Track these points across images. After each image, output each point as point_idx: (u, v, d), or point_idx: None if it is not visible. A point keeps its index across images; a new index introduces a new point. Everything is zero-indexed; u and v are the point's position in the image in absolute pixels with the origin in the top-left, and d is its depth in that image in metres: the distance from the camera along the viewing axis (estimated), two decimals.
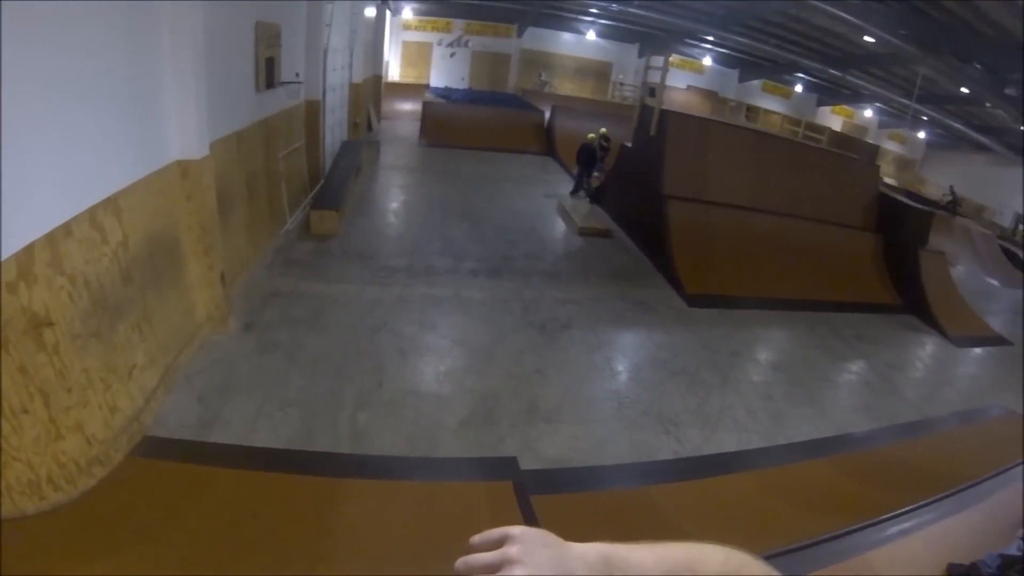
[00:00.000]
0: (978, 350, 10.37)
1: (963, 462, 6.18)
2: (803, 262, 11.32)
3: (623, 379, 7.18)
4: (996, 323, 11.87)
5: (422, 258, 9.83)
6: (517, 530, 0.68)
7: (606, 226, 12.90)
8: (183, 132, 5.59)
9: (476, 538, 0.72)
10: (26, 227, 3.53)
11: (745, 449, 6.20)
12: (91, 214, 4.24)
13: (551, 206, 14.40)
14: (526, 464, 5.32)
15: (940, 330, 10.48)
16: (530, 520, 4.49)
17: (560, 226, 13.09)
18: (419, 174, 16.26)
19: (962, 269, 16.39)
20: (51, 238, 3.75)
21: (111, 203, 4.51)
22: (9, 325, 3.41)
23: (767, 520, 5.09)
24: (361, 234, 10.54)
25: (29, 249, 3.54)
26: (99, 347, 4.36)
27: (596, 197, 15.06)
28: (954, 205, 25.86)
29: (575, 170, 15.98)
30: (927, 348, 10.04)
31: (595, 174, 15.79)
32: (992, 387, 8.91)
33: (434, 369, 6.75)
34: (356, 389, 6.08)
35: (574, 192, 15.61)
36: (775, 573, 0.70)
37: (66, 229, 3.92)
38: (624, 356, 7.86)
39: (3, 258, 3.32)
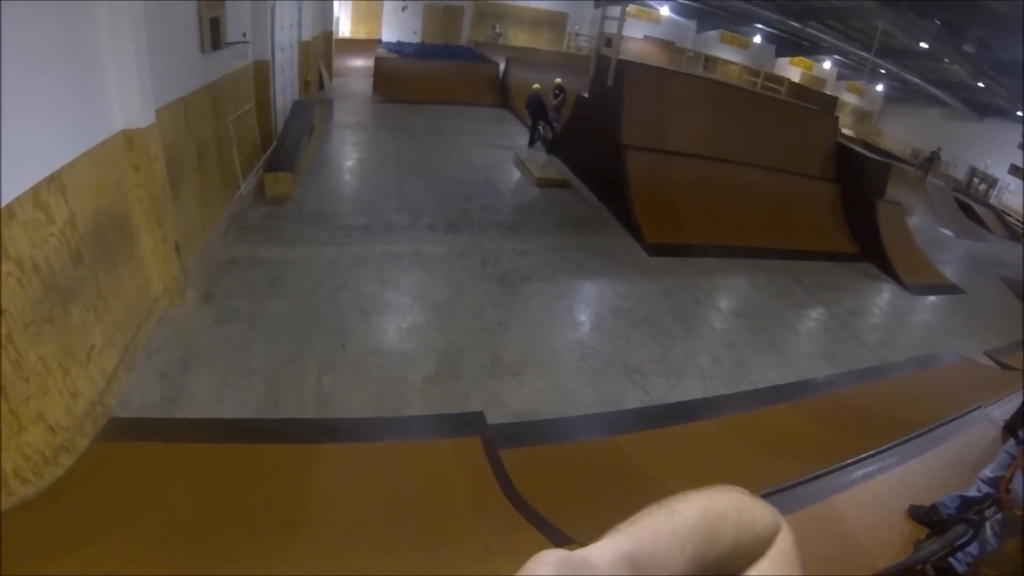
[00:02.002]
0: (933, 298, 10.60)
1: (921, 406, 6.33)
2: (763, 211, 11.40)
3: (586, 329, 7.16)
4: (950, 272, 12.14)
5: (379, 215, 9.65)
6: None
7: (564, 177, 12.81)
8: (126, 100, 5.29)
9: None
10: None
11: (710, 396, 6.26)
12: (34, 193, 4.00)
13: (508, 158, 14.26)
14: (493, 418, 5.29)
15: (897, 278, 10.69)
16: (499, 473, 4.45)
17: (517, 178, 12.96)
18: (373, 131, 15.93)
19: (918, 219, 16.63)
20: None
21: (54, 180, 4.26)
22: None
23: (734, 466, 5.14)
24: (317, 194, 10.31)
25: None
26: (54, 332, 4.18)
27: (553, 148, 14.95)
28: (929, 164, 26.14)
29: (529, 122, 15.80)
30: (884, 295, 10.23)
31: (552, 124, 15.58)
32: (947, 334, 9.12)
33: (396, 327, 6.65)
34: (319, 352, 5.98)
35: (531, 144, 15.46)
36: (774, 512, 0.65)
37: (8, 212, 3.69)
38: (586, 306, 7.84)
39: None
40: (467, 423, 5.21)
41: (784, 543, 0.63)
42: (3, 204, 3.64)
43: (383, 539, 3.81)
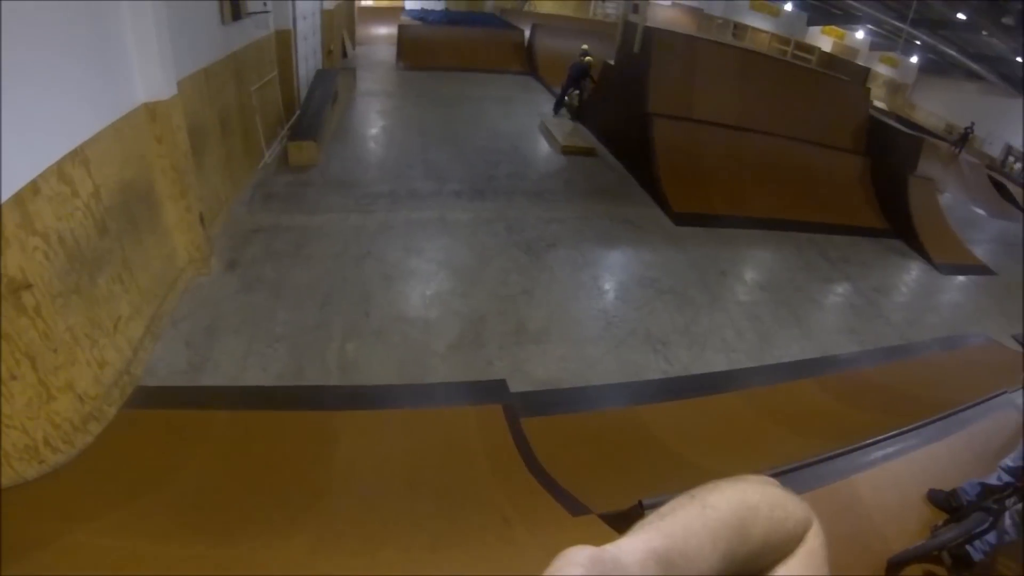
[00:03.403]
0: (962, 278, 10.31)
1: (945, 388, 6.25)
2: (791, 183, 11.20)
3: (611, 298, 7.13)
4: (981, 252, 11.79)
5: (405, 182, 9.64)
6: None
7: (590, 144, 12.68)
8: (147, 73, 5.34)
9: None
10: None
11: (733, 369, 6.22)
12: (58, 168, 4.04)
13: (533, 126, 14.13)
14: (516, 386, 5.30)
15: (926, 256, 10.42)
16: (520, 442, 4.47)
17: (543, 145, 12.85)
18: (398, 98, 15.80)
19: (950, 197, 16.26)
20: (19, 199, 3.57)
21: (78, 154, 4.31)
22: None
23: (755, 440, 5.12)
24: (341, 162, 10.30)
25: None
26: (81, 303, 4.26)
27: (579, 115, 14.78)
28: (963, 141, 25.40)
29: (559, 89, 15.54)
30: (912, 273, 10.00)
31: (577, 92, 15.37)
32: (975, 316, 8.86)
33: (420, 294, 6.67)
34: (343, 320, 6.02)
35: (556, 110, 15.30)
36: (806, 508, 0.61)
37: (33, 187, 3.74)
38: (611, 275, 7.80)
39: None
40: (489, 391, 5.23)
41: (814, 542, 0.62)
42: (28, 180, 3.68)
43: (403, 506, 3.85)
